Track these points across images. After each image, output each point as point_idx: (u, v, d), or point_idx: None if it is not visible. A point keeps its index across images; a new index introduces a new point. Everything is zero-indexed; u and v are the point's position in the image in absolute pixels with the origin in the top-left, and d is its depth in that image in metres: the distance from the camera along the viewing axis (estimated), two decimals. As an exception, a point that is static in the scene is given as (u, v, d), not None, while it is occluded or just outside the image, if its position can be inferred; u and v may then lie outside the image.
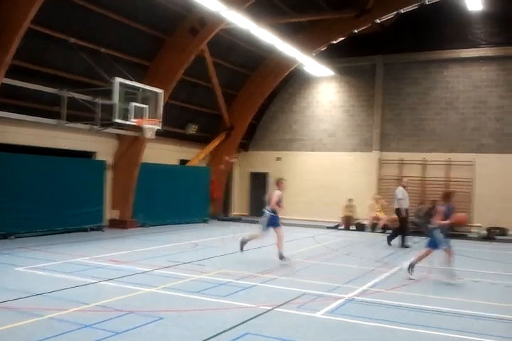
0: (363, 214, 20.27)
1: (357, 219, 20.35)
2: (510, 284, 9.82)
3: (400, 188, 15.22)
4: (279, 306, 7.28)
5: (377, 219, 19.54)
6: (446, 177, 20.31)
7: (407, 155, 21.10)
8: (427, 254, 9.84)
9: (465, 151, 20.20)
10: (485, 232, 18.41)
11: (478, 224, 18.96)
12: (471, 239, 17.78)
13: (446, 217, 9.57)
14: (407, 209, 15.06)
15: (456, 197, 19.95)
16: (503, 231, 18.59)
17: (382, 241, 15.61)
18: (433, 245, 9.66)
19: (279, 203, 11.42)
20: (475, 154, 20.01)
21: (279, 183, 11.80)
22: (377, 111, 22.07)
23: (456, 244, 16.07)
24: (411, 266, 9.83)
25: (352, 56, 22.08)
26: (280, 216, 11.55)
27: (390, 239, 15.14)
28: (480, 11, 17.64)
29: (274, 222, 11.41)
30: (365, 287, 8.94)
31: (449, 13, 19.36)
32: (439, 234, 9.55)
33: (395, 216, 15.88)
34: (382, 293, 8.49)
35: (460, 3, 16.99)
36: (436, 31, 20.40)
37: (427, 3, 18.40)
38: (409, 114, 21.53)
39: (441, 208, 9.75)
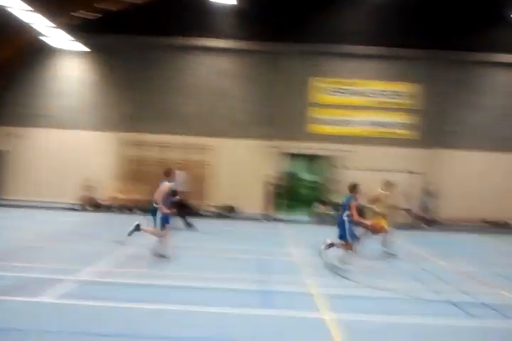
0: (104, 194, 20.04)
1: (97, 200, 20.01)
2: (245, 257, 10.82)
3: (179, 172, 15.28)
4: (7, 294, 6.74)
5: (119, 199, 19.54)
6: (185, 159, 21.18)
7: (153, 137, 21.34)
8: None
9: (205, 135, 21.39)
10: (218, 210, 20.06)
11: (213, 204, 20.53)
12: (206, 216, 19.11)
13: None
14: (183, 192, 15.04)
15: (194, 178, 21.23)
16: (233, 209, 20.44)
17: (121, 222, 15.62)
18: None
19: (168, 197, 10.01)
20: (214, 138, 21.35)
21: (169, 172, 10.15)
22: (121, 92, 21.83)
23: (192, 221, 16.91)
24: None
25: (105, 33, 21.04)
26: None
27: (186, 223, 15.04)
28: (229, 6, 18.66)
29: (165, 219, 9.91)
30: (101, 268, 8.91)
31: (202, 3, 20.04)
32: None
33: (137, 197, 16.01)
34: (117, 273, 8.59)
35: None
36: (186, 18, 20.85)
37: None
38: (153, 96, 21.76)
39: (356, 203, 9.90)
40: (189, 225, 15.12)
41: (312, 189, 22.64)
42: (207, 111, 21.76)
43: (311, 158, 22.14)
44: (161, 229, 9.79)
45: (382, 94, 21.91)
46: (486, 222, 20.50)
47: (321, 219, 19.44)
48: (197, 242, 12.35)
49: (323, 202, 20.41)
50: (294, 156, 21.81)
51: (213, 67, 22.06)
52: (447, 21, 20.72)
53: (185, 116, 21.71)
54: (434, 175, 20.72)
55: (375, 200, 11.30)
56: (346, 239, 9.84)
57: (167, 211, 9.81)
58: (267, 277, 8.94)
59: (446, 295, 7.98)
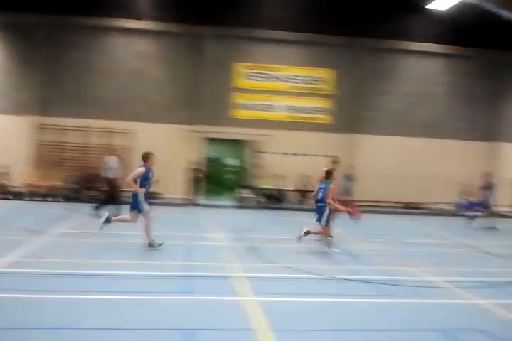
0: (17, 181, 19.14)
1: (10, 187, 19.07)
2: (167, 243, 10.73)
3: (112, 157, 14.57)
4: None
5: (33, 186, 18.77)
6: (108, 144, 20.57)
7: (69, 121, 20.50)
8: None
9: (125, 119, 20.82)
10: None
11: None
12: (128, 203, 18.69)
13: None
14: (115, 178, 14.13)
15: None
16: (155, 195, 20.03)
17: (37, 209, 15.08)
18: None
19: (143, 181, 9.78)
20: (135, 122, 20.82)
21: (147, 159, 9.94)
22: (36, 74, 20.75)
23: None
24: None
25: (16, 11, 19.78)
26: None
27: (98, 208, 13.73)
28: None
29: (135, 204, 9.78)
30: (16, 258, 8.51)
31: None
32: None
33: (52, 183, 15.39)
34: (34, 262, 8.25)
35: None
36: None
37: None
38: (70, 78, 20.91)
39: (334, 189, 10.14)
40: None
41: (235, 174, 22.79)
42: (128, 94, 21.19)
43: (233, 143, 22.21)
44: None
45: (301, 80, 22.26)
46: (401, 203, 21.56)
47: (244, 204, 19.67)
48: (119, 229, 12.09)
49: (246, 187, 20.61)
50: (217, 141, 21.77)
51: (134, 49, 21.46)
52: (363, 9, 21.39)
53: (106, 100, 21.03)
54: (352, 159, 21.39)
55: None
56: (322, 225, 10.20)
57: (141, 190, 9.73)
58: (189, 262, 8.96)
59: (364, 275, 8.33)
